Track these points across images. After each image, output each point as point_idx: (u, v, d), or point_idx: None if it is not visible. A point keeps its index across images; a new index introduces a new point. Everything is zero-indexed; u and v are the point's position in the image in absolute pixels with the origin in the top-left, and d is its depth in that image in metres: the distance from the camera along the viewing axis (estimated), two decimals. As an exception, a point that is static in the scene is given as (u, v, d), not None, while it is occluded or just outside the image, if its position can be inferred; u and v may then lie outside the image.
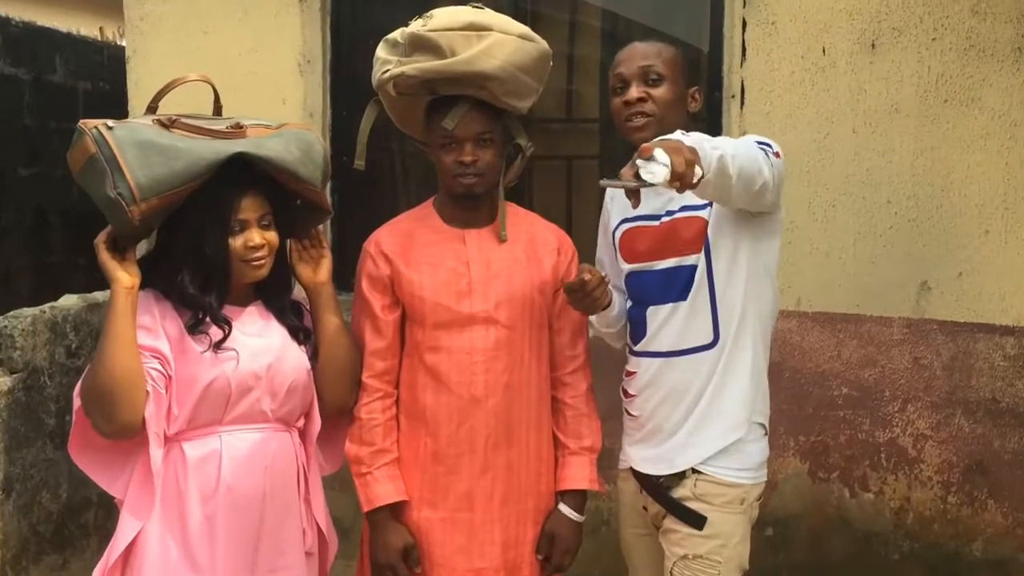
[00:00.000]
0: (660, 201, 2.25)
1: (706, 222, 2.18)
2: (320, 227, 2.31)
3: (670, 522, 2.22)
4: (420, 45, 2.19)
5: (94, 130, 1.96)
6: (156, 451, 2.00)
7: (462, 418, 2.27)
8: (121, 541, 2.01)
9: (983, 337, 3.23)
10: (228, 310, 2.10)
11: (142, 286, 2.03)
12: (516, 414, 2.30)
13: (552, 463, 2.38)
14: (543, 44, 2.30)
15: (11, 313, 3.13)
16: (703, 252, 2.18)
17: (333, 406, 2.25)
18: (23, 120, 5.12)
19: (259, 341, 2.13)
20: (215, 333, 2.07)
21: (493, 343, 2.27)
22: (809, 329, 3.41)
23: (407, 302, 2.30)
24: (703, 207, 2.19)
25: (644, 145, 1.80)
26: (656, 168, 1.76)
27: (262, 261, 2.09)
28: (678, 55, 2.24)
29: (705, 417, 2.20)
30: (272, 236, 2.11)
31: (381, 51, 2.28)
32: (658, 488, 2.24)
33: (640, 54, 2.23)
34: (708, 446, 2.19)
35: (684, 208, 2.22)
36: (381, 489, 2.27)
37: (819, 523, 3.44)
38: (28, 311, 3.15)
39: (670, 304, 2.22)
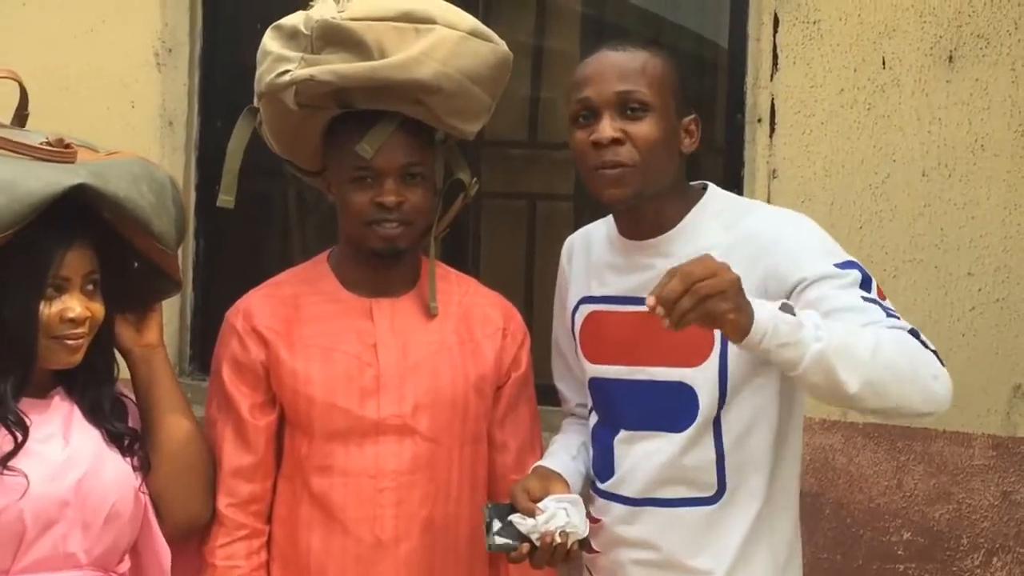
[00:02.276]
0: (642, 277, 2.17)
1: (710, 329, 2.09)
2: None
3: None
4: (335, 39, 2.18)
5: None
6: None
7: (362, 570, 2.25)
8: None
9: (1099, 464, 3.25)
10: (24, 405, 2.04)
11: None
12: (439, 565, 2.29)
13: (491, 634, 2.37)
14: (502, 46, 2.32)
15: None
16: (711, 373, 2.13)
17: (177, 525, 2.22)
18: None
19: (61, 450, 2.06)
20: (2, 442, 1.99)
21: (409, 462, 2.26)
22: (859, 448, 3.41)
23: (288, 401, 2.28)
24: None
25: None
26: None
27: (79, 340, 2.05)
28: (670, 71, 2.16)
29: None
30: (97, 307, 2.07)
31: (272, 43, 2.26)
32: None
33: (616, 71, 2.12)
34: None
35: None
36: None
37: None
38: None
39: (653, 434, 2.18)
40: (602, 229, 2.33)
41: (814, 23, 3.44)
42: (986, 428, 3.31)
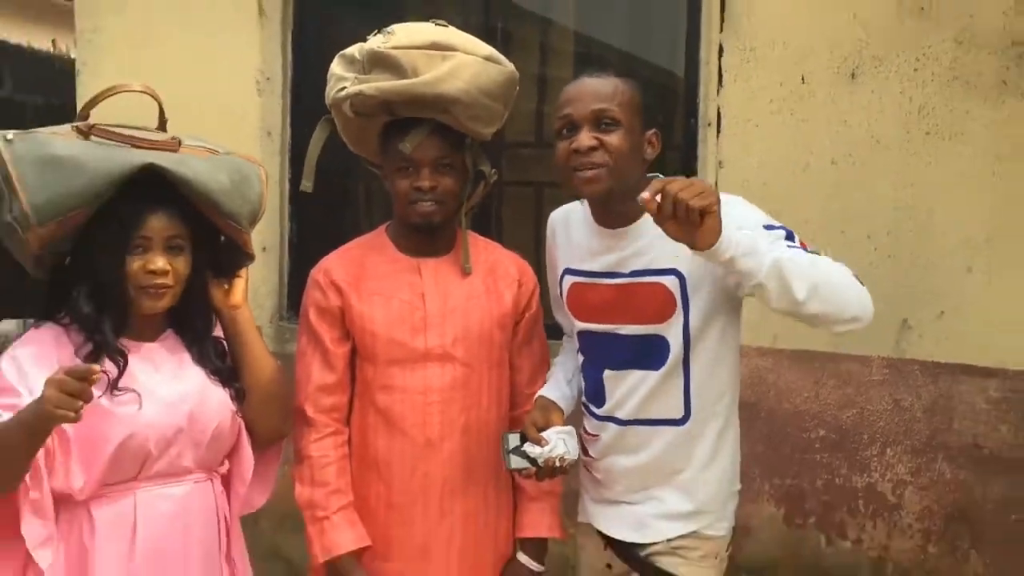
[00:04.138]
0: (614, 256, 2.13)
1: (671, 292, 2.07)
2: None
3: None
4: (379, 63, 2.17)
5: None
6: (33, 524, 1.79)
7: (416, 463, 2.22)
8: None
9: (965, 379, 3.18)
10: (132, 346, 1.95)
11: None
12: (473, 458, 2.25)
13: (511, 509, 2.35)
14: (509, 67, 2.27)
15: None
16: (678, 327, 2.07)
17: (266, 436, 2.16)
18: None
19: (174, 387, 1.99)
20: (110, 370, 1.89)
21: (449, 382, 2.23)
22: (785, 368, 3.36)
23: (358, 337, 2.25)
24: (667, 272, 2.07)
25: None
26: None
27: (163, 290, 1.94)
28: (636, 95, 2.08)
29: (679, 493, 2.14)
30: (181, 264, 1.96)
31: (337, 67, 2.25)
32: (628, 549, 2.17)
33: (592, 94, 2.04)
34: (684, 523, 2.14)
35: (644, 272, 2.09)
36: (341, 536, 2.19)
37: (795, 571, 3.37)
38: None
39: (633, 372, 2.12)
40: (580, 211, 2.25)
41: (751, 50, 3.39)
42: (881, 352, 3.26)
